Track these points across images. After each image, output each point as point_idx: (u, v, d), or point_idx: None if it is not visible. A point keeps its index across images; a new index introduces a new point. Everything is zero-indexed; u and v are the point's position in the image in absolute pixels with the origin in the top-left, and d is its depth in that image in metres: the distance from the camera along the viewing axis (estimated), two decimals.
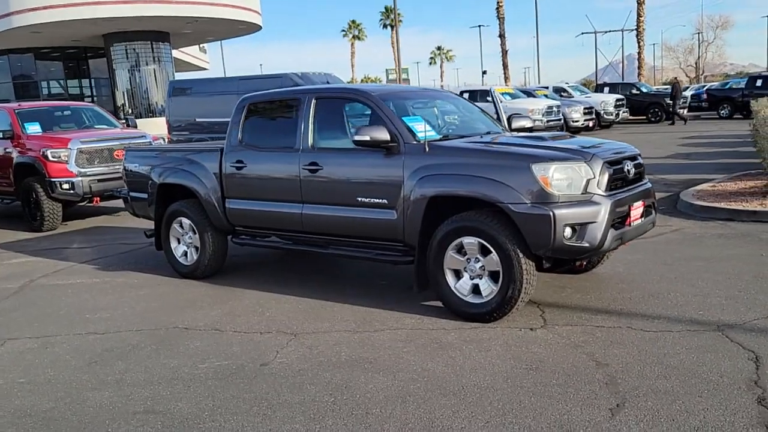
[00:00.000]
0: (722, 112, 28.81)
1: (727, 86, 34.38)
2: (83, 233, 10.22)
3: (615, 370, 3.96)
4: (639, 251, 6.64)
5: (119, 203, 11.71)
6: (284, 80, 16.50)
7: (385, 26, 72.74)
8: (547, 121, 22.60)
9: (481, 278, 4.93)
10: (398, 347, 4.56)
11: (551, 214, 4.55)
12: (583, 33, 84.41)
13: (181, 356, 4.65)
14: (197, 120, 17.71)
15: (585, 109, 24.28)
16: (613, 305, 5.16)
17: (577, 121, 24.26)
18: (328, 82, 16.97)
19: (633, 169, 5.18)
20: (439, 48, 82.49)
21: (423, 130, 5.39)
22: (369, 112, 5.72)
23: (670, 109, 27.35)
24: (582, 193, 4.70)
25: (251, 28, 36.94)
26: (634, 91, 29.31)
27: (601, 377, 3.88)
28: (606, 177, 4.81)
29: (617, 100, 27.29)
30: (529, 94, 25.77)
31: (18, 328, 5.54)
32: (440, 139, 5.39)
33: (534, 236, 4.63)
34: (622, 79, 62.87)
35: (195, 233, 6.72)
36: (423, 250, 5.18)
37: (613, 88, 30.31)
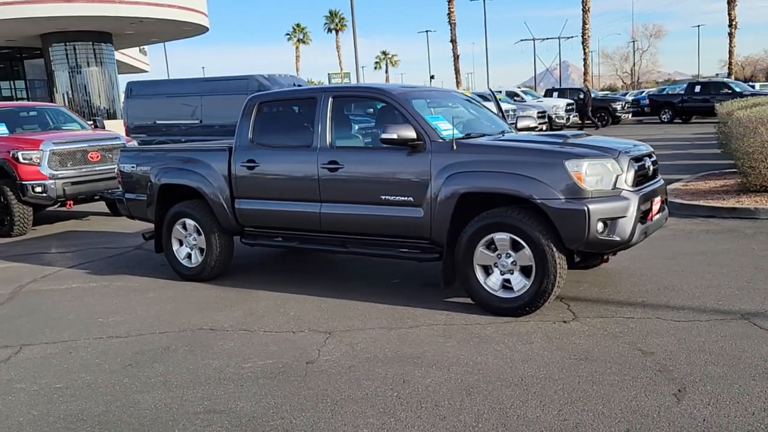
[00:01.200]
0: (664, 116, 29.98)
1: (664, 92, 35.88)
2: (58, 238, 9.86)
3: (662, 358, 4.11)
4: (638, 246, 6.84)
5: (91, 207, 11.47)
6: (250, 82, 16.36)
7: (330, 30, 72.61)
8: (567, 119, 26.15)
9: (512, 273, 5.03)
10: (440, 342, 4.61)
11: (586, 209, 4.68)
12: (522, 40, 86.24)
13: (219, 357, 4.57)
14: (157, 122, 17.34)
15: (539, 113, 24.86)
16: (633, 298, 5.35)
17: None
18: (295, 84, 16.91)
19: (651, 166, 5.39)
20: (384, 53, 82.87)
21: (447, 128, 5.47)
22: (384, 110, 5.76)
23: (586, 115, 28.51)
24: (612, 189, 4.85)
25: (198, 30, 36.22)
26: (582, 96, 30.18)
27: (652, 365, 4.02)
28: (632, 173, 4.98)
29: (567, 104, 28.08)
30: (485, 98, 26.18)
31: (30, 334, 5.32)
32: (464, 138, 5.46)
33: (569, 231, 4.75)
34: (560, 85, 64.66)
35: (200, 234, 6.60)
36: (450, 247, 5.24)
37: (562, 93, 31.16)
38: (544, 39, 63.91)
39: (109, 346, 4.95)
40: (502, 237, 4.98)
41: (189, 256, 6.77)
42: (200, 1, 34.33)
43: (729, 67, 42.01)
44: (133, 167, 7.16)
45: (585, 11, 34.95)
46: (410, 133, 5.26)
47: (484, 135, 5.75)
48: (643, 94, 34.07)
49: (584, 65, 36.47)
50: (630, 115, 31.82)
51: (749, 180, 8.92)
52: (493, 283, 5.10)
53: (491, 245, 5.06)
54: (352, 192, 5.67)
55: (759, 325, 4.56)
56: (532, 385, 3.82)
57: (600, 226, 4.75)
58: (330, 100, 5.87)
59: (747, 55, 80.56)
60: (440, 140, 5.32)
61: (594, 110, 29.46)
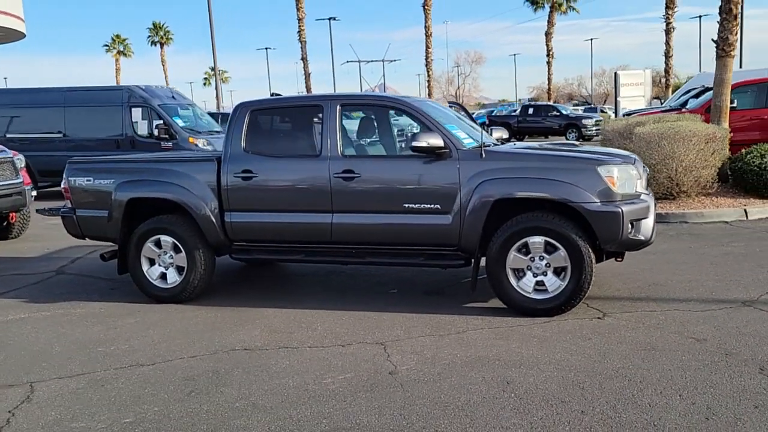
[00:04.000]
0: None
1: (493, 113, 38.66)
2: None
3: (716, 343, 4.50)
4: None
5: None
6: (125, 93, 15.42)
7: (153, 43, 69.14)
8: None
9: (545, 275, 5.24)
10: (502, 344, 4.68)
11: (620, 210, 5.02)
12: (348, 61, 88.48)
13: (287, 375, 4.29)
14: (8, 135, 15.65)
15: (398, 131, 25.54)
16: (642, 294, 5.78)
17: None
18: (173, 96, 16.15)
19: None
20: (213, 69, 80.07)
21: (464, 136, 5.60)
22: (397, 120, 5.76)
23: None
24: (634, 192, 5.25)
25: (13, 36, 32.77)
26: None
27: (714, 349, 4.40)
28: (645, 178, 5.43)
29: None
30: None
31: (25, 370, 4.62)
32: (483, 146, 5.59)
33: (605, 232, 5.06)
34: None
35: (179, 252, 6.11)
36: (481, 252, 5.35)
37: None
38: (368, 61, 66.24)
39: (142, 375, 4.44)
40: (536, 240, 5.18)
41: (163, 276, 6.22)
42: (15, 3, 31.25)
43: (548, 93, 46.29)
44: (88, 180, 6.43)
45: (428, 36, 36.81)
46: (438, 141, 5.31)
47: (486, 145, 5.91)
48: (482, 115, 36.37)
49: (428, 86, 38.31)
50: None
51: (653, 189, 9.95)
52: (525, 285, 5.27)
53: (522, 249, 5.24)
54: (370, 201, 5.57)
55: (765, 310, 5.15)
56: (633, 376, 4.02)
57: (629, 226, 5.11)
58: (338, 108, 5.74)
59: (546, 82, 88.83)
60: (466, 148, 5.43)
61: None
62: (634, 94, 38.35)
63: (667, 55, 33.37)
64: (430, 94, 37.15)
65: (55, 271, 7.91)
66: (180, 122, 15.46)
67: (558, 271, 5.20)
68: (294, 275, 7.23)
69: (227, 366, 4.52)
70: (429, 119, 5.54)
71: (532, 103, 37.73)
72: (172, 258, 6.17)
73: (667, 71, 34.06)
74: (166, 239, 6.14)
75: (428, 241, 5.53)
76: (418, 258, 5.60)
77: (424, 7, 36.55)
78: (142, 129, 15.50)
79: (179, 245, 6.09)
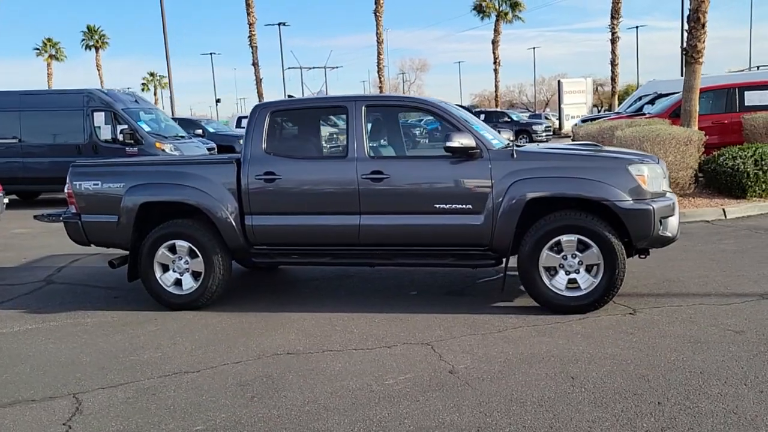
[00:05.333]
0: None
1: None
2: None
3: (755, 335, 4.65)
4: None
5: None
6: (85, 96, 14.92)
7: (89, 47, 66.90)
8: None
9: (577, 273, 5.32)
10: (548, 341, 4.72)
11: (652, 208, 5.15)
12: (290, 68, 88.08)
13: (345, 377, 4.22)
14: None
15: None
16: (660, 290, 5.93)
17: None
18: (136, 101, 15.75)
19: None
20: (152, 74, 78.32)
21: (490, 137, 5.65)
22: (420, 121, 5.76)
23: None
24: (660, 191, 5.39)
25: None
26: None
27: (755, 340, 4.55)
28: (668, 177, 5.58)
29: None
30: None
31: (63, 382, 4.41)
32: (509, 146, 5.65)
33: (638, 229, 5.18)
34: None
35: (196, 257, 5.93)
36: (512, 252, 5.40)
37: None
38: (310, 68, 66.08)
39: (193, 382, 4.29)
40: (569, 238, 5.26)
41: (178, 282, 6.03)
42: None
43: (496, 99, 47.20)
44: (95, 184, 6.17)
45: (379, 42, 36.98)
46: (471, 142, 5.34)
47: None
48: (432, 121, 36.65)
49: (380, 93, 38.41)
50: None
51: None
52: (558, 283, 5.34)
53: (554, 247, 5.31)
54: (400, 202, 5.55)
55: None
56: (692, 368, 4.11)
57: (658, 223, 5.24)
58: (363, 109, 5.70)
59: (487, 89, 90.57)
60: (496, 148, 5.47)
61: None
62: (577, 101, 39.61)
63: (613, 63, 34.49)
64: None
65: (44, 280, 7.57)
66: (145, 127, 15.04)
67: (589, 269, 5.29)
68: (300, 280, 7.13)
69: (278, 370, 4.41)
70: (457, 120, 5.57)
71: (483, 109, 38.32)
72: (188, 263, 5.99)
73: (613, 79, 35.21)
74: (182, 244, 5.95)
75: (459, 241, 5.54)
76: (448, 258, 5.61)
77: (375, 13, 36.72)
78: (106, 134, 14.97)
79: (196, 250, 5.92)
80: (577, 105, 38.75)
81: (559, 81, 41.53)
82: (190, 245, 5.93)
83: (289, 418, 3.69)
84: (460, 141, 5.29)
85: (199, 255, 5.92)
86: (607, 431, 3.38)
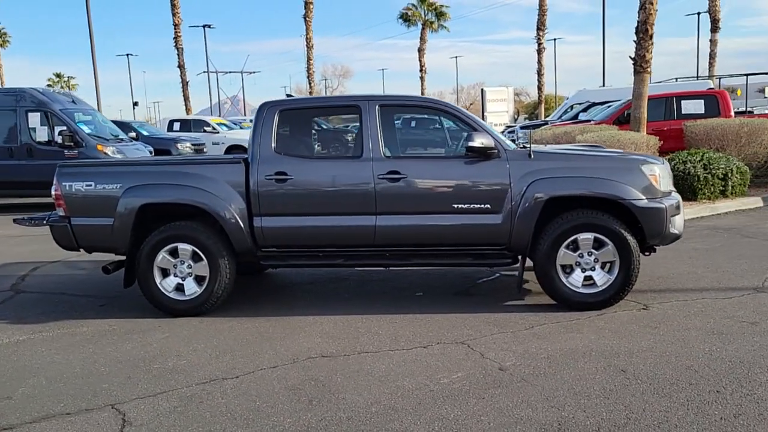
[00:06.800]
0: None
1: None
2: None
3: None
4: None
5: None
6: (17, 96, 14.13)
7: None
8: None
9: (593, 270, 5.45)
10: (579, 336, 4.81)
11: (665, 206, 5.35)
12: (204, 72, 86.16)
13: (397, 378, 4.16)
14: None
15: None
16: (658, 286, 6.14)
17: None
18: (73, 101, 15.03)
19: None
20: (58, 75, 74.49)
21: (505, 138, 5.72)
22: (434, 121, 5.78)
23: None
24: (668, 190, 5.61)
25: None
26: None
27: None
28: (672, 177, 5.81)
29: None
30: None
31: (92, 394, 4.13)
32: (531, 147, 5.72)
33: (652, 227, 5.36)
34: (244, 115, 65.75)
35: (200, 260, 5.70)
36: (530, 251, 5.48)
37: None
38: (226, 72, 65.07)
39: (236, 388, 4.11)
40: (586, 237, 5.38)
41: (179, 287, 5.77)
42: None
43: None
44: (88, 185, 5.82)
45: (309, 47, 36.74)
46: (490, 142, 5.39)
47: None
48: None
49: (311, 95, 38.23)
50: None
51: None
52: (574, 281, 5.45)
53: (571, 245, 5.42)
54: (418, 202, 5.52)
55: None
56: (730, 357, 4.27)
57: (668, 221, 5.44)
58: (377, 109, 5.65)
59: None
60: (512, 149, 5.54)
61: None
62: (499, 110, 40.62)
63: (539, 73, 35.68)
64: None
65: (11, 290, 7.09)
66: (86, 128, 14.34)
67: (605, 266, 5.43)
68: (295, 283, 6.97)
69: (322, 373, 4.29)
70: (473, 120, 5.60)
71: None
72: (191, 267, 5.75)
73: (539, 88, 36.38)
74: (185, 247, 5.70)
75: (477, 240, 5.56)
76: (466, 258, 5.62)
77: (305, 18, 36.47)
78: (42, 136, 14.17)
79: (200, 253, 5.69)
80: (498, 113, 39.72)
81: (482, 89, 42.24)
82: (194, 248, 5.69)
83: (361, 420, 3.59)
84: (481, 141, 5.33)
85: (204, 258, 5.69)
86: (683, 419, 3.46)
